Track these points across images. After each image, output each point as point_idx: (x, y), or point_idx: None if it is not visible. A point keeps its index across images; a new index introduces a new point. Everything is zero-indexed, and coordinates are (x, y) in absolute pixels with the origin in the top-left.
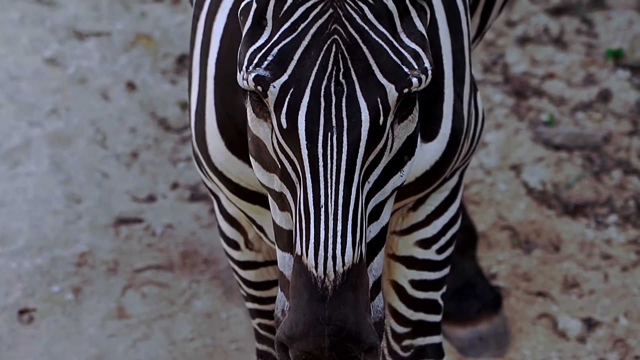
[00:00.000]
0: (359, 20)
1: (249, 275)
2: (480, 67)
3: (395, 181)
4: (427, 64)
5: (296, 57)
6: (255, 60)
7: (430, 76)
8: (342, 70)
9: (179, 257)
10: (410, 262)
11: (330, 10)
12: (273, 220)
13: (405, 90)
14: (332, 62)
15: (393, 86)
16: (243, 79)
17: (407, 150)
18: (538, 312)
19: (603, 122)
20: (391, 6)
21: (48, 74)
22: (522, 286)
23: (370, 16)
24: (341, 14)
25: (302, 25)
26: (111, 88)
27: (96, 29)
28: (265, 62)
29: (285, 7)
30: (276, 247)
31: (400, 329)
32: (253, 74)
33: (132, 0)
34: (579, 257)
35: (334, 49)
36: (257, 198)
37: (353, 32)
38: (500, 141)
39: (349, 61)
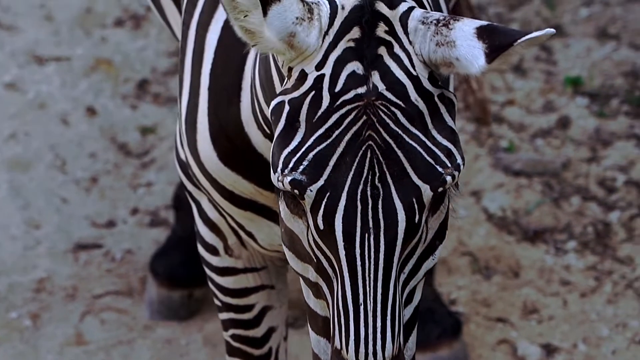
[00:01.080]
0: (392, 126)
1: (227, 282)
2: None
3: (428, 265)
4: (459, 160)
5: (332, 162)
6: (291, 165)
7: (462, 169)
8: (377, 174)
9: (138, 282)
10: None
11: (364, 117)
12: (306, 304)
13: (440, 189)
14: (367, 167)
15: (428, 186)
16: (278, 180)
17: (439, 236)
18: (498, 338)
19: (562, 148)
20: (422, 107)
21: (7, 99)
22: (481, 312)
23: (403, 120)
24: (375, 120)
25: (337, 132)
26: (71, 113)
27: (56, 53)
28: (301, 167)
29: (320, 113)
30: (309, 328)
31: None
32: (289, 178)
33: (92, 25)
34: (539, 283)
35: (369, 155)
36: (249, 205)
37: (387, 138)
38: None
39: (384, 165)
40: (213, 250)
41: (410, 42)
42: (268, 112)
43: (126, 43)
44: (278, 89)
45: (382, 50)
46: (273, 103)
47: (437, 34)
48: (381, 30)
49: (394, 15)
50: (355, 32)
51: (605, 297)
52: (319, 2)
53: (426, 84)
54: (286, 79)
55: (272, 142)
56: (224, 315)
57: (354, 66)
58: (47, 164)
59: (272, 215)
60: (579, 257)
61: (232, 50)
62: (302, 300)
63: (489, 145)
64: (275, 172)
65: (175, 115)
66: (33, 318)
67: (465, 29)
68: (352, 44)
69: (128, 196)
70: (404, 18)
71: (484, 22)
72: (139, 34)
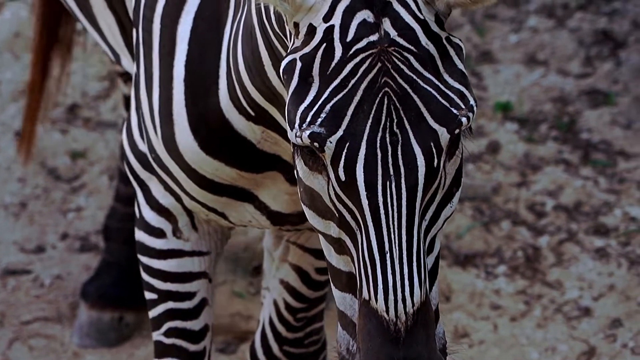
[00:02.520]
0: (407, 71)
1: (170, 265)
2: None
3: (446, 212)
4: (472, 102)
5: (350, 112)
6: (309, 118)
7: (475, 112)
8: (395, 120)
9: (67, 308)
10: (320, 255)
11: (379, 64)
12: (328, 262)
13: (457, 131)
14: (385, 114)
15: (445, 129)
16: (296, 136)
17: (456, 182)
18: None
19: (492, 173)
20: (433, 50)
21: None
22: None
23: (416, 65)
24: (389, 66)
25: (353, 81)
26: None
27: None
28: (319, 119)
29: (333, 64)
30: (333, 286)
31: (297, 305)
32: (308, 132)
33: (21, 49)
34: (469, 307)
35: (386, 101)
36: (227, 191)
37: (403, 83)
38: None
39: (401, 111)
40: (159, 234)
41: None
42: (255, 95)
43: (55, 67)
44: (267, 66)
45: None
46: (284, 62)
47: None
48: None
49: None
50: None
51: (535, 321)
52: None
53: (434, 26)
54: (293, 37)
55: (255, 124)
56: (160, 308)
57: (364, 14)
58: None
59: (247, 198)
60: (509, 282)
61: (207, 39)
62: (234, 324)
63: None
64: (292, 128)
65: (105, 140)
66: None
67: None
68: None
69: (58, 221)
70: None
71: None
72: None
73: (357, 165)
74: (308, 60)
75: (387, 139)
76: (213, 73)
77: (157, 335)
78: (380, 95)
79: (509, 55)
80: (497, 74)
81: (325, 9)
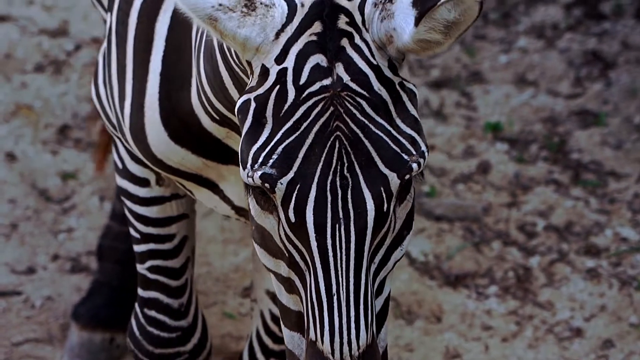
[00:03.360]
0: (359, 116)
1: (152, 211)
2: None
3: (397, 255)
4: (423, 147)
5: (301, 154)
6: (260, 159)
7: (426, 158)
8: (346, 164)
9: (58, 330)
10: None
11: (331, 109)
12: (279, 300)
13: (407, 177)
14: (336, 157)
15: (395, 174)
16: (248, 176)
17: (407, 226)
18: None
19: (483, 193)
20: (385, 96)
21: None
22: (404, 357)
23: (368, 110)
24: (341, 110)
25: (305, 124)
26: None
27: None
28: (271, 161)
29: (286, 107)
30: (282, 325)
31: (276, 328)
32: (259, 172)
33: (12, 70)
34: (460, 327)
35: (337, 145)
36: (192, 178)
37: (354, 128)
38: None
39: (352, 155)
40: (144, 183)
41: (367, 30)
42: (219, 105)
43: (47, 88)
44: (229, 85)
45: (345, 42)
46: (239, 102)
47: (383, 10)
48: (342, 22)
49: (353, 5)
50: (317, 26)
51: (526, 342)
52: (273, 3)
53: (387, 72)
54: (250, 75)
55: (220, 125)
56: (143, 247)
57: (318, 59)
58: None
59: (212, 187)
60: (500, 302)
61: (184, 38)
62: (225, 345)
63: None
64: (245, 168)
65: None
66: None
67: (405, 0)
68: (314, 38)
69: (48, 242)
70: (362, 6)
71: None
72: (59, 79)
73: (307, 207)
74: (262, 101)
75: (338, 183)
76: (187, 71)
77: (141, 269)
78: (331, 139)
79: (499, 76)
80: (487, 94)
81: (276, 51)
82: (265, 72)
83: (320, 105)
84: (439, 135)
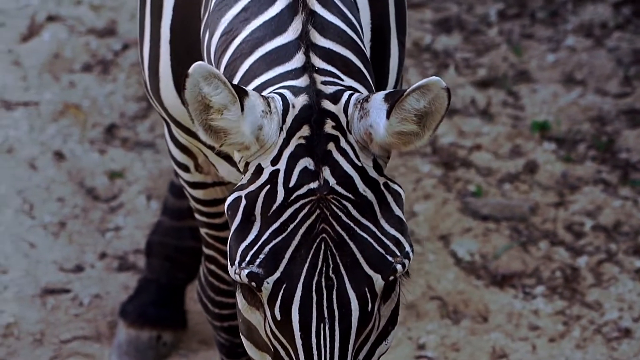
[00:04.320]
0: (344, 218)
1: (198, 193)
2: None
3: (381, 350)
4: (407, 248)
5: (287, 255)
6: (248, 258)
7: (411, 258)
8: (331, 266)
9: (106, 327)
10: None
11: (318, 211)
12: None
13: (391, 278)
14: (321, 259)
15: (379, 276)
16: (235, 273)
17: (391, 322)
18: None
19: (530, 193)
20: (371, 197)
21: None
22: (450, 356)
23: (354, 212)
24: (327, 213)
25: (292, 226)
26: (39, 158)
27: (24, 98)
28: (258, 260)
29: (275, 207)
30: None
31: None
32: (246, 271)
33: (60, 70)
34: (507, 327)
35: (322, 247)
36: (210, 146)
37: (340, 230)
38: (428, 211)
39: (337, 257)
40: (185, 168)
41: (351, 132)
42: None
43: (94, 88)
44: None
45: (331, 146)
46: (230, 199)
47: (360, 109)
48: (329, 126)
49: (338, 109)
50: (305, 130)
51: (574, 342)
52: (273, 97)
53: (371, 172)
54: (243, 174)
55: None
56: (198, 217)
57: (306, 162)
58: (15, 208)
59: (229, 160)
60: (547, 302)
61: (189, 10)
62: None
63: (457, 190)
64: (232, 265)
65: (143, 160)
66: None
67: (377, 97)
68: (303, 141)
69: (96, 241)
70: (346, 108)
71: (397, 90)
72: (107, 79)
73: (293, 306)
74: (252, 199)
75: (323, 283)
76: (196, 42)
77: (201, 231)
78: (317, 241)
79: (547, 75)
80: (534, 93)
81: (274, 152)
82: (259, 171)
83: (307, 208)
84: (486, 135)
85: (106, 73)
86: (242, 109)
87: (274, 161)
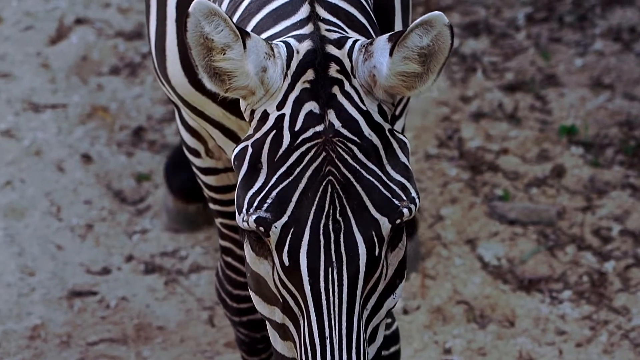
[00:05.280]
0: (350, 161)
1: (210, 180)
2: (436, 142)
3: (389, 304)
4: (413, 194)
5: (294, 199)
6: (255, 203)
7: (418, 204)
8: (338, 208)
9: (133, 330)
10: None
11: (324, 154)
12: (274, 348)
13: (398, 222)
14: (328, 201)
15: (386, 219)
16: (243, 220)
17: (399, 274)
18: None
19: (557, 197)
20: (376, 141)
21: (3, 146)
22: None
23: (360, 155)
24: (333, 156)
25: (298, 169)
26: (66, 160)
27: (52, 101)
28: (265, 205)
29: (280, 152)
30: None
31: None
32: (254, 216)
33: (88, 73)
34: (534, 332)
35: (329, 189)
36: (218, 125)
37: (346, 172)
38: (455, 215)
39: (344, 199)
40: (196, 153)
41: (355, 76)
42: None
43: (122, 90)
44: None
45: (335, 89)
46: (237, 149)
47: (365, 52)
48: (333, 70)
49: (342, 53)
50: (309, 74)
51: (601, 347)
52: (277, 44)
53: (377, 117)
54: (249, 124)
55: None
56: (212, 206)
57: (311, 106)
58: (42, 210)
59: (237, 139)
60: (574, 307)
61: None
62: None
63: (483, 194)
64: (240, 213)
65: None
66: None
67: (382, 38)
68: (307, 85)
69: (123, 243)
70: (350, 53)
71: (400, 30)
72: (134, 82)
73: (301, 251)
74: (258, 146)
75: (330, 227)
76: None
77: (216, 223)
78: (324, 184)
79: (574, 79)
80: (562, 97)
81: (279, 97)
82: (265, 117)
83: (313, 151)
84: (513, 139)
85: (134, 76)
86: (245, 47)
87: (279, 106)
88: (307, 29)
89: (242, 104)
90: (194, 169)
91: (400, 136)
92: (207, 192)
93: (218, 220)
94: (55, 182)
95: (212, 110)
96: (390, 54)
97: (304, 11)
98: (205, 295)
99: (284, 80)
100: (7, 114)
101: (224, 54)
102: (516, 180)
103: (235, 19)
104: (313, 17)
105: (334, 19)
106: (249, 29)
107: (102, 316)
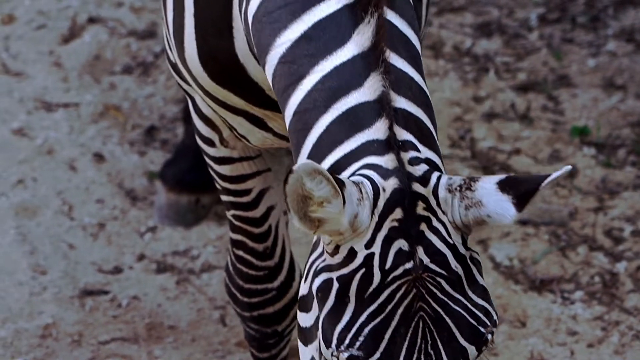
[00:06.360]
0: (439, 295)
1: (224, 170)
2: (448, 142)
3: None
4: (495, 317)
5: (387, 336)
6: (347, 341)
7: (498, 326)
8: (429, 342)
9: (144, 329)
10: None
11: (414, 290)
12: None
13: (483, 348)
14: (420, 336)
15: (473, 347)
16: (333, 355)
17: None
18: None
19: (569, 198)
20: (460, 272)
21: (16, 145)
22: None
23: (447, 288)
24: (424, 292)
25: (390, 307)
26: (79, 159)
27: (64, 100)
28: (358, 343)
29: (371, 289)
30: None
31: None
32: (346, 354)
33: (101, 72)
34: (545, 332)
35: (421, 325)
36: (241, 112)
37: (436, 307)
38: None
39: (435, 333)
40: (210, 142)
41: (444, 212)
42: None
43: (134, 90)
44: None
45: (423, 226)
46: (318, 280)
47: (464, 198)
48: (420, 208)
49: (427, 191)
50: (397, 213)
51: (613, 348)
52: (362, 182)
53: (461, 249)
54: (325, 253)
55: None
56: (225, 198)
57: (400, 244)
58: (54, 209)
59: (262, 124)
60: (586, 307)
61: None
62: None
63: None
64: (328, 347)
65: None
66: None
67: (487, 186)
68: (396, 224)
69: (135, 242)
70: (436, 190)
71: (502, 176)
72: (147, 81)
73: None
74: (346, 281)
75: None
76: (224, 20)
77: (228, 215)
78: (415, 320)
79: (587, 80)
80: (574, 98)
81: (368, 236)
82: (352, 254)
83: (403, 288)
84: (525, 139)
85: (146, 75)
86: (344, 202)
87: (368, 245)
88: (390, 163)
89: (326, 239)
90: (207, 160)
91: (476, 256)
92: (220, 183)
93: (230, 213)
94: (68, 181)
95: (233, 101)
96: (520, 209)
97: (380, 129)
98: (217, 295)
99: (371, 219)
100: (20, 112)
101: (322, 207)
102: None
103: (295, 100)
104: (393, 144)
105: (409, 136)
106: (317, 128)
107: (113, 315)
